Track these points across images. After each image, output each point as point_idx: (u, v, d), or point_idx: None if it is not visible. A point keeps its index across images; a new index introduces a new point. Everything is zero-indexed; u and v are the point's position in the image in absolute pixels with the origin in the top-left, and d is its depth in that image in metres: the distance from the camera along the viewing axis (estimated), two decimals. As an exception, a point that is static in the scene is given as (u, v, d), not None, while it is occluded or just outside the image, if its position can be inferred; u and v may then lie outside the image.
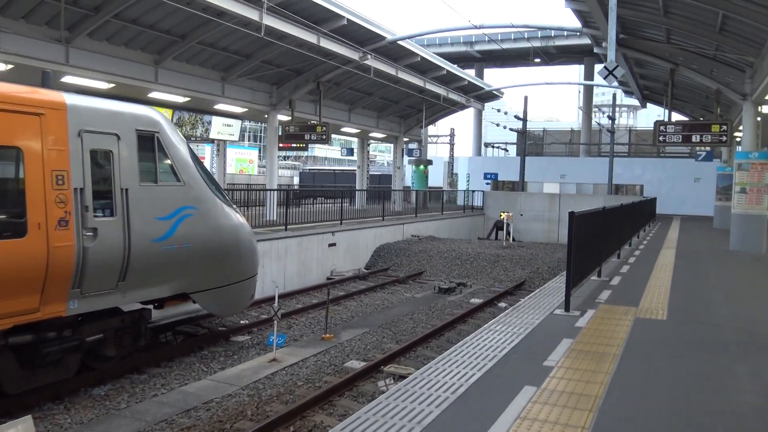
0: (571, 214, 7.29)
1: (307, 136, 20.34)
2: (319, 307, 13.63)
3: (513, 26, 17.98)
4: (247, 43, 17.21)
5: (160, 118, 8.62)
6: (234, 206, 10.29)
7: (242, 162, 51.09)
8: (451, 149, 46.09)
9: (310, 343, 10.66)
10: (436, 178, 47.02)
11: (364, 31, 18.31)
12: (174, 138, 8.72)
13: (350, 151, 38.20)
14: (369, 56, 19.00)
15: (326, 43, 17.16)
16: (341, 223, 19.96)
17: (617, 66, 12.46)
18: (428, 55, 22.10)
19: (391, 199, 30.21)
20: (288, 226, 17.58)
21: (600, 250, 10.10)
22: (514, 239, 25.72)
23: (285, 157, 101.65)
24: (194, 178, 8.86)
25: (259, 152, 56.07)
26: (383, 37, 18.94)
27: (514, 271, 18.67)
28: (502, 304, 14.49)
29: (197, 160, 9.49)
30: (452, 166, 45.64)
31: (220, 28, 15.39)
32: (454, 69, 24.66)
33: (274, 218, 20.06)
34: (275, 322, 9.72)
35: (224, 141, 21.33)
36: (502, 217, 27.49)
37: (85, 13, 13.43)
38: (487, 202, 32.33)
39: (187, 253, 8.61)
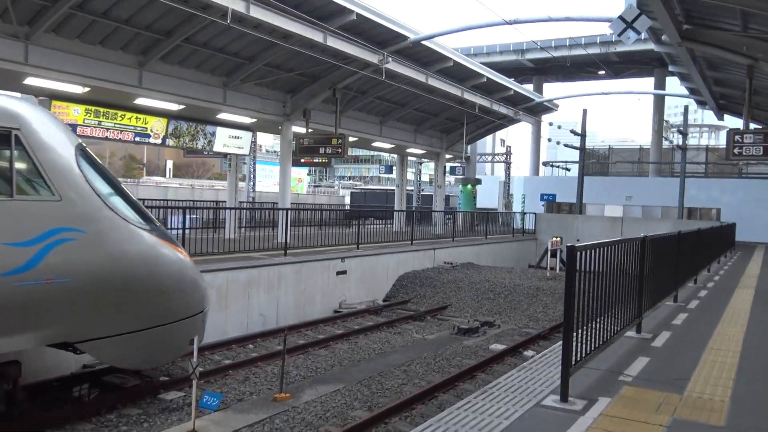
0: (571, 249, 4.68)
1: (322, 149, 18.19)
2: (301, 351, 11.28)
3: (551, 19, 15.33)
4: (246, 43, 15.26)
5: (25, 110, 6.56)
6: (162, 231, 8.12)
7: (292, 180, 49.72)
8: (507, 168, 43.12)
9: (255, 405, 8.30)
10: (491, 198, 44.20)
11: (381, 30, 16.08)
12: (49, 138, 6.63)
13: (389, 169, 35.90)
14: (389, 59, 16.70)
15: (335, 42, 14.98)
16: (358, 248, 17.62)
17: (640, 14, 9.39)
18: (462, 59, 19.61)
19: (432, 221, 27.66)
20: (290, 251, 15.40)
21: (640, 295, 7.30)
22: (563, 263, 22.65)
23: (347, 177, 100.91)
24: (80, 192, 6.72)
25: (309, 170, 54.69)
26: (405, 37, 16.64)
27: (555, 308, 15.74)
28: (529, 353, 11.71)
29: (99, 170, 7.38)
30: (509, 186, 42.64)
31: (209, 24, 13.49)
32: (495, 76, 22.03)
33: (288, 241, 17.94)
34: (194, 382, 7.42)
35: (235, 155, 19.45)
36: (555, 242, 24.55)
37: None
38: (540, 226, 29.25)
39: (64, 290, 6.45)
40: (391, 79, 18.99)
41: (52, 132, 6.75)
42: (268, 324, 13.65)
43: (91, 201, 6.80)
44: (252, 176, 34.15)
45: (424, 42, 17.35)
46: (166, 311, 7.84)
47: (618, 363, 5.91)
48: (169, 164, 74.28)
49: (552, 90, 41.31)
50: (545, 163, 41.43)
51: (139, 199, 10.22)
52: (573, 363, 4.73)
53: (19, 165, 6.31)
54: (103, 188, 7.15)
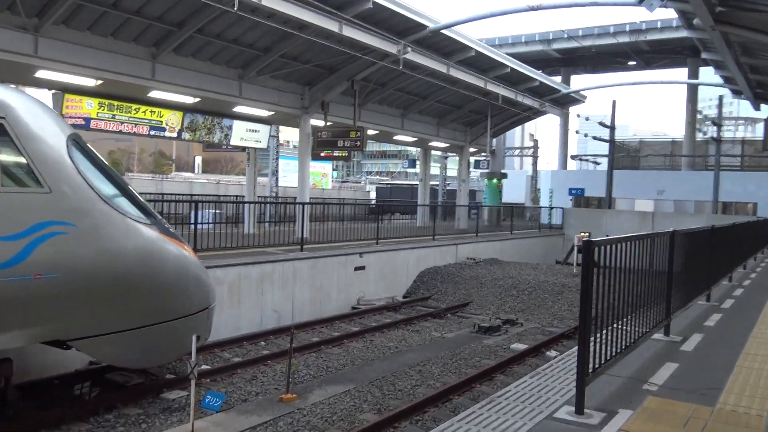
0: (588, 245, 4.20)
1: (340, 143, 17.80)
2: (314, 349, 10.91)
3: (576, 4, 14.67)
4: (261, 34, 14.94)
5: (13, 98, 6.27)
6: (164, 226, 7.80)
7: (315, 175, 49.47)
8: (535, 162, 42.21)
9: (260, 406, 7.94)
10: (518, 193, 43.32)
11: (399, 18, 15.59)
12: (38, 127, 6.33)
13: (412, 163, 35.34)
14: (408, 49, 16.21)
15: (351, 32, 14.55)
16: (377, 243, 17.20)
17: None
18: (485, 48, 19.01)
19: (456, 216, 27.10)
20: (307, 246, 15.06)
21: (669, 295, 6.75)
22: (596, 264, 21.91)
23: (372, 173, 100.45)
24: (72, 184, 6.41)
25: (333, 165, 54.38)
26: (423, 26, 16.12)
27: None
28: (552, 353, 11.19)
29: (95, 162, 7.08)
30: (536, 180, 41.72)
31: (221, 14, 13.18)
32: (520, 66, 21.36)
33: (306, 235, 17.61)
34: (192, 382, 7.09)
35: (254, 149, 19.15)
36: (582, 237, 23.88)
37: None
38: (568, 221, 28.52)
39: (54, 286, 6.16)
40: (412, 70, 18.53)
41: (42, 121, 6.45)
42: (283, 320, 13.33)
43: (84, 194, 6.50)
44: (275, 171, 33.90)
45: (444, 31, 16.82)
46: (167, 308, 7.53)
47: (642, 369, 5.40)
48: (198, 160, 74.77)
49: (580, 82, 40.30)
50: (573, 157, 40.43)
51: (149, 194, 9.96)
52: (590, 371, 4.25)
53: (5, 155, 6.03)
54: (98, 181, 6.84)
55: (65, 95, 13.32)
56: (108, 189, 6.95)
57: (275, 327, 12.67)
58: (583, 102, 27.21)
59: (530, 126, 71.42)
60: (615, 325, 4.82)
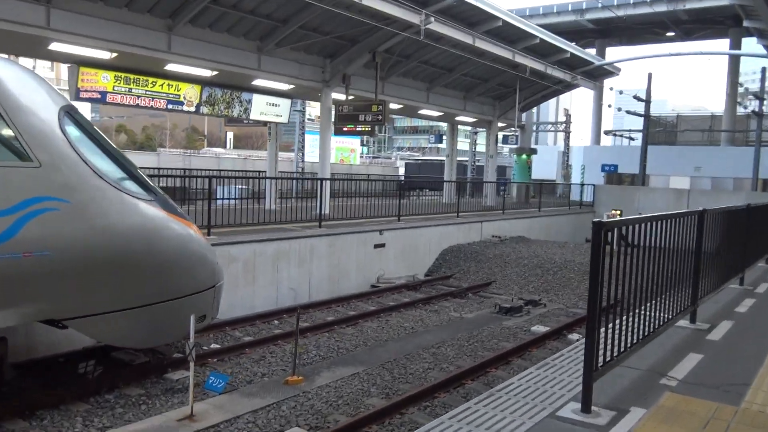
0: (598, 226, 3.77)
1: (362, 117, 17.37)
2: (326, 329, 10.65)
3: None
4: (278, 4, 14.52)
5: (1, 68, 6.01)
6: (166, 201, 7.54)
7: (343, 151, 49.19)
8: (567, 137, 41.20)
9: (264, 388, 7.71)
10: (549, 169, 42.46)
11: (422, -15, 15.01)
12: (27, 98, 6.08)
13: (439, 138, 34.71)
14: (432, 19, 15.62)
15: (371, 1, 14.04)
16: (399, 220, 16.82)
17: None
18: (512, 18, 18.27)
19: (483, 193, 26.52)
20: (327, 223, 14.78)
21: (697, 279, 6.27)
22: (625, 243, 21.23)
23: (403, 148, 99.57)
24: (63, 158, 6.16)
25: (362, 141, 53.89)
26: (448, -6, 15.50)
27: (609, 286, 14.54)
28: (574, 336, 10.73)
29: (90, 135, 6.82)
30: (567, 156, 40.74)
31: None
32: (549, 37, 20.54)
33: (327, 212, 17.32)
34: (191, 364, 6.87)
35: (275, 123, 18.84)
36: (612, 215, 23.20)
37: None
38: (599, 198, 27.70)
39: (46, 264, 5.95)
40: (436, 41, 17.95)
41: (32, 92, 6.20)
42: (300, 298, 13.11)
43: (76, 168, 6.24)
44: (301, 146, 33.70)
45: (469, 0, 16.16)
46: (167, 287, 7.29)
47: (662, 361, 4.95)
48: (230, 135, 75.10)
49: (616, 55, 38.91)
50: (607, 132, 39.24)
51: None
52: (600, 365, 3.85)
53: (-11, 127, 5.79)
54: (93, 155, 6.58)
55: (80, 68, 13.13)
56: (104, 164, 6.69)
57: (291, 305, 12.45)
58: (617, 74, 26.20)
59: (565, 101, 69.80)
60: (633, 313, 4.41)
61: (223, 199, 17.53)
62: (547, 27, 27.62)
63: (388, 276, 15.45)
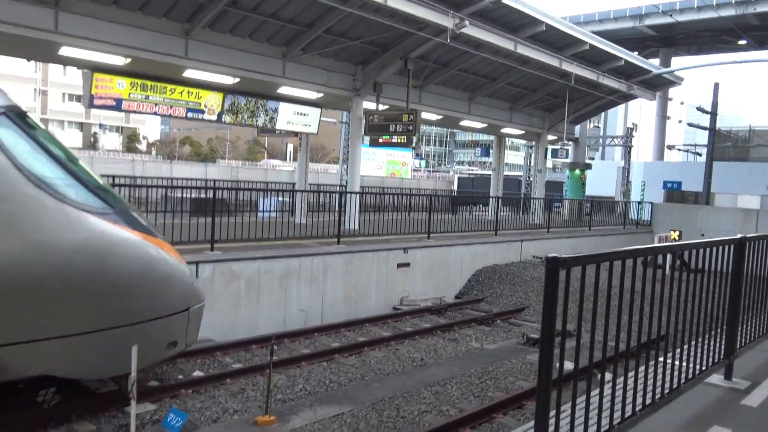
0: (553, 264, 2.71)
1: (392, 127, 16.44)
2: (327, 357, 9.69)
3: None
4: (301, 7, 13.80)
5: None
6: (128, 216, 6.79)
7: (394, 164, 48.36)
8: (627, 152, 39.01)
9: (230, 428, 6.82)
10: (609, 186, 40.35)
11: (454, -13, 14.00)
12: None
13: (485, 151, 33.33)
14: (467, 23, 14.57)
15: (397, 2, 13.14)
16: (429, 237, 15.76)
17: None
18: (557, 22, 16.97)
19: (530, 209, 25.07)
20: (349, 239, 13.91)
21: (734, 324, 5.06)
22: (686, 267, 19.44)
23: (463, 162, 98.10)
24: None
25: (420, 154, 52.95)
26: (483, -4, 14.41)
27: (655, 317, 13.03)
28: (608, 375, 9.35)
29: (36, 140, 6.14)
30: (628, 172, 38.54)
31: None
32: (600, 42, 19.08)
33: (355, 227, 16.47)
34: (132, 403, 6.05)
35: (306, 134, 18.14)
36: (671, 237, 21.52)
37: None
38: (657, 217, 25.77)
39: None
40: (476, 48, 16.92)
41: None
42: (312, 320, 12.24)
43: (5, 175, 5.54)
44: (346, 158, 32.99)
45: (507, 2, 15.02)
46: (123, 311, 6.52)
47: (674, 438, 3.76)
48: (290, 148, 75.73)
49: (683, 65, 36.64)
50: (670, 147, 36.91)
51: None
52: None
53: None
54: (33, 162, 5.89)
55: (94, 74, 12.75)
56: (46, 171, 5.99)
57: (303, 328, 11.59)
58: (679, 84, 24.31)
59: (634, 114, 66.89)
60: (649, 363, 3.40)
61: (267, 211, 17.12)
62: (604, 34, 26.09)
63: (413, 297, 14.38)
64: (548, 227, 20.67)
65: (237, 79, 14.61)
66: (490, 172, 59.23)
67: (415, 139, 16.78)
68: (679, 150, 36.81)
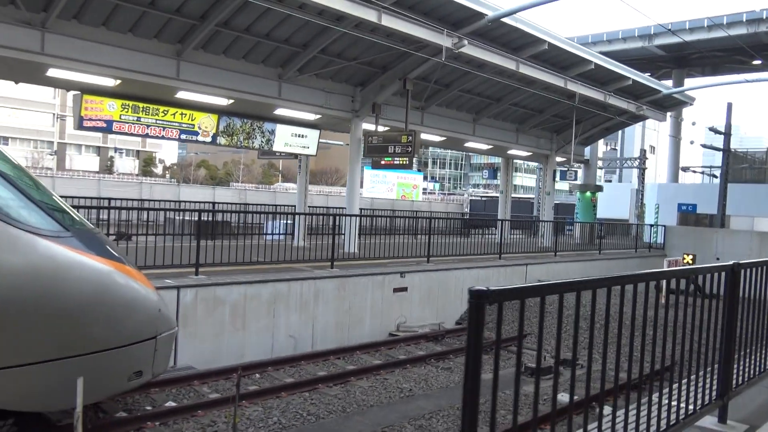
0: (477, 299, 2.28)
1: (391, 149, 16.10)
2: (308, 388, 9.23)
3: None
4: (294, 28, 13.61)
5: None
6: (87, 238, 6.45)
7: (405, 187, 48.02)
8: (641, 174, 38.36)
9: (190, 467, 6.38)
10: (622, 208, 39.71)
11: (451, 7, 13.75)
12: None
13: (492, 174, 32.84)
14: (465, 42, 14.27)
15: (392, 22, 12.89)
16: (428, 261, 15.31)
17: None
18: (560, 41, 16.62)
19: (540, 233, 24.51)
20: (343, 263, 13.51)
21: (727, 361, 4.59)
22: (700, 292, 18.75)
23: (479, 185, 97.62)
24: None
25: (434, 177, 52.57)
26: (481, 15, 14.13)
27: (661, 345, 12.40)
28: (607, 409, 8.78)
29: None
30: (642, 194, 37.85)
31: (244, 5, 12.00)
32: (605, 62, 18.69)
33: (354, 250, 16.09)
34: (77, 438, 5.64)
35: (306, 155, 17.85)
36: (685, 261, 20.83)
37: None
38: (670, 240, 25.06)
39: None
40: (479, 68, 16.63)
41: None
42: (301, 347, 11.79)
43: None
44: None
45: (509, 21, 14.73)
46: (77, 340, 6.14)
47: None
48: (305, 171, 75.68)
49: (695, 86, 36.01)
50: (684, 169, 36.19)
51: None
52: None
53: None
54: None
55: (83, 96, 12.60)
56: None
57: (292, 355, 11.15)
58: (690, 104, 23.79)
59: (651, 137, 65.98)
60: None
61: (274, 234, 16.94)
62: (614, 54, 25.71)
63: (410, 323, 13.90)
64: (555, 251, 20.09)
65: (231, 101, 14.42)
66: (496, 195, 58.75)
67: (415, 160, 16.43)
68: (694, 172, 36.09)
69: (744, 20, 25.94)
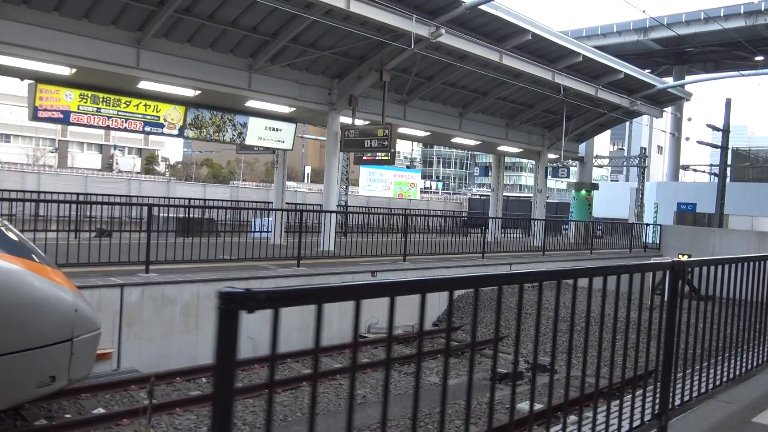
0: (229, 300, 1.65)
1: (367, 143, 15.49)
2: (255, 393, 8.65)
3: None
4: (261, 15, 13.02)
5: None
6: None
7: (402, 185, 47.40)
8: (641, 173, 37.60)
9: (93, 484, 5.80)
10: (622, 207, 38.97)
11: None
12: None
13: (483, 171, 32.18)
14: (443, 31, 13.65)
15: (360, 8, 12.28)
16: (404, 260, 14.71)
17: None
18: (544, 31, 15.93)
19: (530, 231, 23.83)
20: (304, 261, 12.89)
21: (666, 375, 4.00)
22: (695, 294, 18.02)
23: (484, 185, 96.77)
24: None
25: (424, 175, 51.96)
26: (459, 2, 13.49)
27: (643, 348, 11.74)
28: (571, 418, 8.14)
29: None
30: (642, 193, 37.09)
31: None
32: (594, 54, 18.00)
33: (331, 248, 15.53)
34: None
35: (282, 150, 17.23)
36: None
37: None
38: (666, 240, 24.34)
39: None
40: (461, 60, 16.01)
41: None
42: (261, 350, 11.18)
43: None
44: (345, 178, 32.14)
45: (488, 10, 14.10)
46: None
47: None
48: (308, 170, 75.45)
49: (697, 85, 35.17)
50: (685, 167, 35.40)
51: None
52: None
53: None
54: None
55: (38, 85, 12.04)
56: None
57: (251, 357, 10.56)
58: (687, 99, 23.07)
59: (659, 136, 65.03)
60: None
61: (258, 231, 16.41)
62: (609, 48, 25.03)
63: (382, 325, 13.27)
64: (544, 250, 19.42)
65: (198, 92, 13.84)
66: (508, 194, 58.01)
67: (391, 154, 15.86)
68: (695, 170, 35.31)
69: (742, 12, 25.09)
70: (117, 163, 75.39)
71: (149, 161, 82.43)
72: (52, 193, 22.42)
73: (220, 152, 74.29)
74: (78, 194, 22.08)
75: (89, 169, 57.85)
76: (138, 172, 69.63)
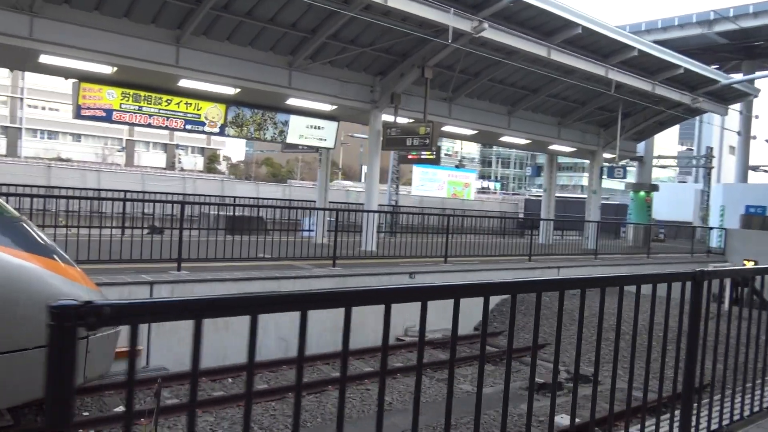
0: (60, 314, 1.35)
1: (408, 141, 15.13)
2: (278, 397, 8.45)
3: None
4: (299, 11, 12.87)
5: None
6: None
7: (456, 185, 46.75)
8: (707, 173, 35.84)
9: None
10: (686, 210, 37.28)
11: (468, -15, 12.68)
12: None
13: (536, 171, 31.17)
14: (486, 25, 13.17)
15: (400, 3, 11.97)
16: (445, 262, 14.29)
17: None
18: (595, 24, 15.17)
19: (584, 234, 22.94)
20: (340, 261, 12.66)
21: (692, 380, 3.52)
22: (758, 297, 16.88)
23: (542, 185, 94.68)
24: None
25: (483, 176, 51.15)
26: (502, -6, 12.98)
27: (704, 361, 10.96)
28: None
29: None
30: (707, 195, 35.32)
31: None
32: (650, 47, 17.06)
33: (373, 248, 15.29)
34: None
35: (325, 149, 17.07)
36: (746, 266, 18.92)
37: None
38: (731, 245, 23.00)
39: None
40: (508, 56, 15.49)
41: None
42: (293, 350, 11.02)
43: None
44: (396, 177, 31.89)
45: (534, 3, 13.54)
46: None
47: None
48: (365, 169, 75.64)
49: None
50: (754, 168, 33.45)
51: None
52: None
53: None
54: None
55: (81, 84, 12.25)
56: None
57: (282, 357, 10.43)
58: (755, 96, 21.73)
59: (731, 136, 62.03)
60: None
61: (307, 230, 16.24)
62: (669, 44, 23.80)
63: (418, 329, 12.90)
64: (596, 253, 18.60)
65: (238, 90, 13.82)
66: (568, 195, 56.47)
67: (436, 152, 15.48)
68: (766, 171, 33.31)
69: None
70: (180, 162, 77.42)
71: (211, 160, 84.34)
72: (107, 191, 23.00)
73: (281, 153, 75.38)
74: (127, 192, 22.46)
75: (153, 168, 59.59)
76: (200, 171, 71.44)
